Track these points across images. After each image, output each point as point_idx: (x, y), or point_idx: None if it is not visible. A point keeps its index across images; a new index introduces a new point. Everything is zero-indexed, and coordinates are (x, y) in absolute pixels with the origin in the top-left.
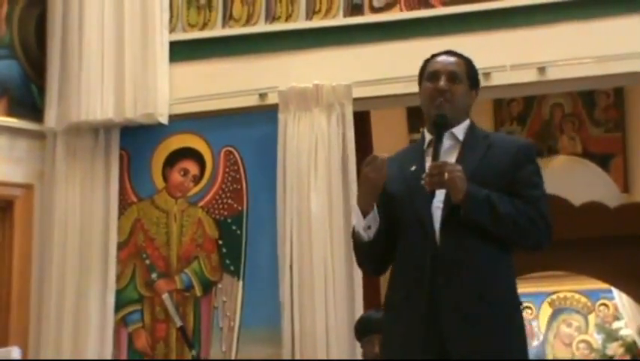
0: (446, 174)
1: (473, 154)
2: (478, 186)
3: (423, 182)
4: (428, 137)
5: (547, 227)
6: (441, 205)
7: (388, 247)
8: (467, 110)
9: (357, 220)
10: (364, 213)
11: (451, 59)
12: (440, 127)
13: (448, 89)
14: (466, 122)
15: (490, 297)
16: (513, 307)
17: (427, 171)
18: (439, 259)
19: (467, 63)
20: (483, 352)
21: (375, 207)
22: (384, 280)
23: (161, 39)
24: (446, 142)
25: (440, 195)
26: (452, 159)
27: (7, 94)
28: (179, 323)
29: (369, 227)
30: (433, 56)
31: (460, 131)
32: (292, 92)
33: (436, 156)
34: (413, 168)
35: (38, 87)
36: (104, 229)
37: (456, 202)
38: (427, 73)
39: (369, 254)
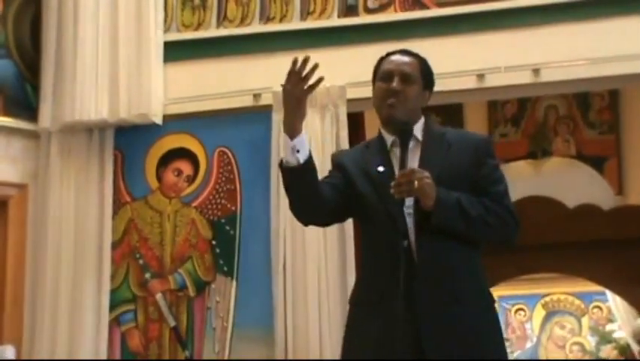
0: (415, 182)
1: (435, 155)
2: (445, 188)
3: (392, 190)
4: (389, 138)
5: (515, 222)
6: (412, 211)
7: (337, 202)
8: (420, 110)
9: (285, 145)
10: (291, 136)
11: (405, 58)
12: (405, 134)
13: (401, 90)
14: (422, 121)
15: (465, 297)
16: (487, 305)
17: (396, 178)
18: (414, 262)
19: (421, 63)
20: (460, 352)
21: (303, 131)
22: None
23: (156, 39)
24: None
25: (409, 200)
26: (415, 159)
27: (1, 94)
28: (172, 323)
29: (297, 150)
30: (388, 54)
31: (417, 130)
32: None
33: (403, 165)
34: (381, 168)
35: (33, 87)
36: (99, 228)
37: (426, 209)
38: (381, 72)
39: (299, 185)
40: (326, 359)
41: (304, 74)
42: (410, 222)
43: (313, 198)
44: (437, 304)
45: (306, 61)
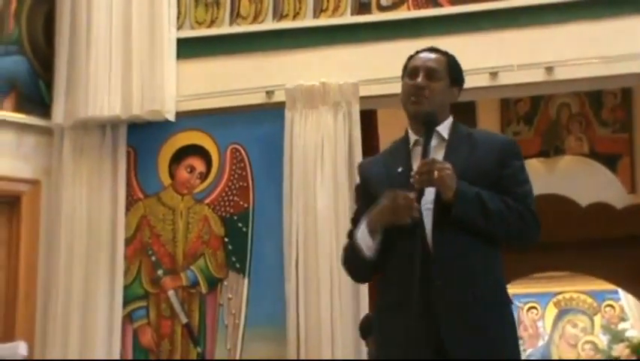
0: (436, 172)
1: (459, 153)
2: (468, 184)
3: (412, 180)
4: (413, 137)
5: (536, 223)
6: (431, 206)
7: (378, 258)
8: (448, 108)
9: (363, 236)
10: (373, 237)
11: (432, 55)
12: (430, 125)
13: (425, 86)
14: (449, 120)
15: (484, 296)
16: (505, 305)
17: (414, 170)
18: (432, 261)
19: (449, 60)
20: (480, 351)
21: (380, 233)
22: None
23: (169, 36)
24: (432, 141)
25: (429, 195)
26: (439, 157)
27: (15, 90)
28: (184, 320)
29: (370, 248)
30: (417, 52)
31: (444, 129)
32: (299, 90)
33: (425, 154)
34: (400, 169)
35: (46, 83)
36: (111, 225)
37: (446, 200)
38: (407, 69)
39: (364, 270)
40: (338, 358)
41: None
42: (428, 220)
43: (372, 273)
44: (454, 303)
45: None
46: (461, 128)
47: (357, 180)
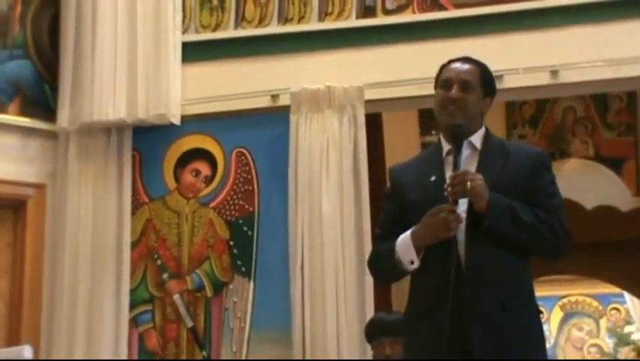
0: (468, 183)
1: (492, 164)
2: (500, 195)
3: (446, 193)
4: (446, 146)
5: (566, 236)
6: (464, 215)
7: None
8: (481, 118)
9: (406, 250)
10: (417, 249)
11: (465, 66)
12: (458, 138)
13: (459, 98)
14: (482, 130)
15: (514, 307)
16: (534, 316)
17: (447, 181)
18: (464, 270)
19: (482, 70)
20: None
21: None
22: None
23: (174, 40)
24: (465, 151)
25: (462, 205)
26: (472, 168)
27: (20, 94)
28: (190, 324)
29: (412, 262)
30: (450, 61)
31: (477, 139)
32: (304, 94)
33: (456, 167)
34: (433, 178)
35: (51, 87)
36: (117, 229)
37: (479, 210)
38: (441, 80)
39: (396, 278)
40: (344, 359)
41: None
42: (462, 230)
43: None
44: (484, 311)
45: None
46: (494, 138)
47: (387, 185)
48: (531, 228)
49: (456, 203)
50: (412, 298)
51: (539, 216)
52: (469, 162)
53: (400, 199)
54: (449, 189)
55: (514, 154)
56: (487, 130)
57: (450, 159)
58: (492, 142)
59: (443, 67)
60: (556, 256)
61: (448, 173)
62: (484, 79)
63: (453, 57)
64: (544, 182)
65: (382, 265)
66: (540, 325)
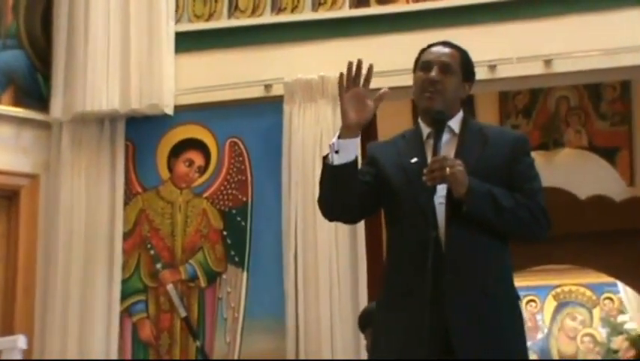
0: (447, 169)
1: (471, 149)
2: (479, 180)
3: (424, 178)
4: (425, 129)
5: (546, 220)
6: (443, 201)
7: (362, 201)
8: (459, 102)
9: (333, 142)
10: (339, 136)
11: (445, 49)
12: (439, 123)
13: (439, 80)
14: (460, 115)
15: (493, 291)
16: (513, 300)
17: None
18: (443, 255)
19: (462, 55)
20: (488, 349)
21: (356, 138)
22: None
23: (167, 30)
24: (444, 136)
25: (441, 190)
26: (451, 153)
27: (13, 84)
28: (183, 314)
29: (336, 151)
30: (429, 45)
31: (455, 123)
32: (298, 84)
33: (436, 153)
34: (414, 160)
35: (44, 77)
36: (110, 219)
37: (458, 197)
38: (421, 63)
39: (329, 183)
40: (337, 350)
41: (354, 76)
42: (441, 213)
43: (344, 198)
44: (464, 297)
45: (359, 66)
46: (472, 123)
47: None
48: (510, 213)
49: (434, 190)
50: (387, 284)
51: (519, 201)
52: (447, 146)
53: (377, 169)
54: (428, 174)
55: (494, 139)
56: (465, 115)
57: (431, 142)
58: (470, 127)
59: (423, 51)
60: (535, 240)
61: (429, 156)
62: (464, 63)
63: None
64: (524, 166)
65: (321, 175)
66: (520, 311)
